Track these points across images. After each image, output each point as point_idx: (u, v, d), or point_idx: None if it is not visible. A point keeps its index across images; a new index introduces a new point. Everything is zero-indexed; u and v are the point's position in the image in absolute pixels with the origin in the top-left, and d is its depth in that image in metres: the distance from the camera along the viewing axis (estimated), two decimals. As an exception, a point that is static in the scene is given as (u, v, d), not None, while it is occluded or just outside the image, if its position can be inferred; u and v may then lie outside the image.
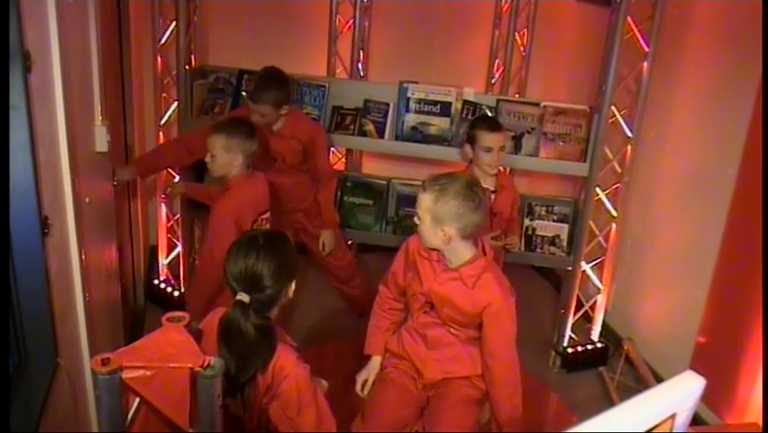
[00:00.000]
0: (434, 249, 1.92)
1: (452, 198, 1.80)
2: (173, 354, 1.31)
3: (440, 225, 1.82)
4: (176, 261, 3.47)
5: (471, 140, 2.64)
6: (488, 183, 2.60)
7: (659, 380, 2.99)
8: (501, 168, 2.76)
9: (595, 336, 3.32)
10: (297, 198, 2.96)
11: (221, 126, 2.44)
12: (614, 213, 3.19)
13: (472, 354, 2.00)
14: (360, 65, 3.58)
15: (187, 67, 3.09)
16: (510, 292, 1.92)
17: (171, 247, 3.50)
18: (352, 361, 2.80)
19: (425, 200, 1.83)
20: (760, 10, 2.36)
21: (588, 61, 3.50)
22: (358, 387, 2.08)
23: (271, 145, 2.81)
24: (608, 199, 3.20)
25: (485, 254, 1.93)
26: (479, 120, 2.78)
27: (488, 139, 2.58)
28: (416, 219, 1.89)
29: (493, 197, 2.65)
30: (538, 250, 3.22)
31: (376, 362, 2.12)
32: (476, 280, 1.89)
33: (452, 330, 1.99)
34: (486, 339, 1.94)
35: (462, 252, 1.89)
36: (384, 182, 3.32)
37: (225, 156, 2.40)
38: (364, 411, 2.02)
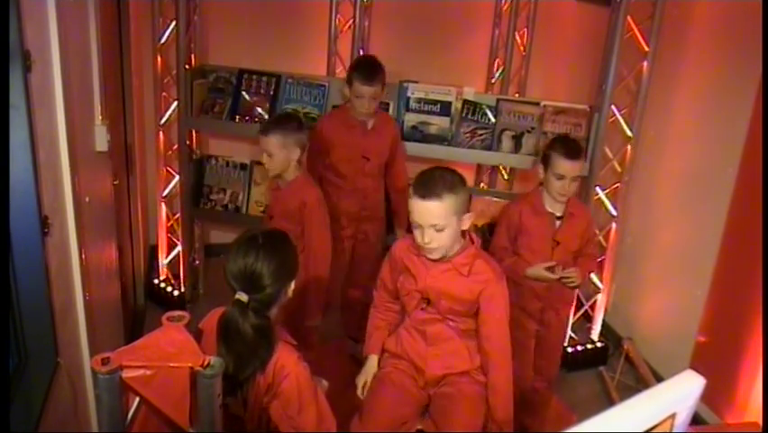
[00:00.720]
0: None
1: (461, 187, 1.84)
2: (173, 354, 1.31)
3: (462, 215, 1.86)
4: (176, 260, 3.47)
5: (545, 161, 2.43)
6: (554, 208, 2.45)
7: (659, 379, 3.00)
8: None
9: (595, 335, 3.33)
10: (375, 204, 2.95)
11: (271, 125, 2.51)
12: (614, 212, 3.19)
13: (470, 347, 2.02)
14: (360, 64, 3.58)
15: (187, 66, 3.09)
16: (502, 275, 1.96)
17: (171, 247, 3.50)
18: (352, 361, 2.80)
19: (446, 206, 1.80)
20: (760, 10, 2.36)
21: (588, 61, 3.50)
22: (359, 391, 2.09)
23: (365, 144, 2.82)
24: (608, 199, 3.21)
25: (473, 243, 1.96)
26: (558, 142, 2.46)
27: (562, 166, 2.36)
28: (428, 238, 1.83)
29: (558, 223, 2.46)
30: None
31: (373, 361, 2.12)
32: (470, 268, 1.92)
33: (450, 323, 1.99)
34: (482, 322, 1.97)
35: (456, 242, 1.92)
36: (384, 182, 3.32)
37: (282, 152, 2.46)
38: (361, 411, 2.02)
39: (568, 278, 2.42)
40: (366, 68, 2.72)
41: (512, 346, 2.40)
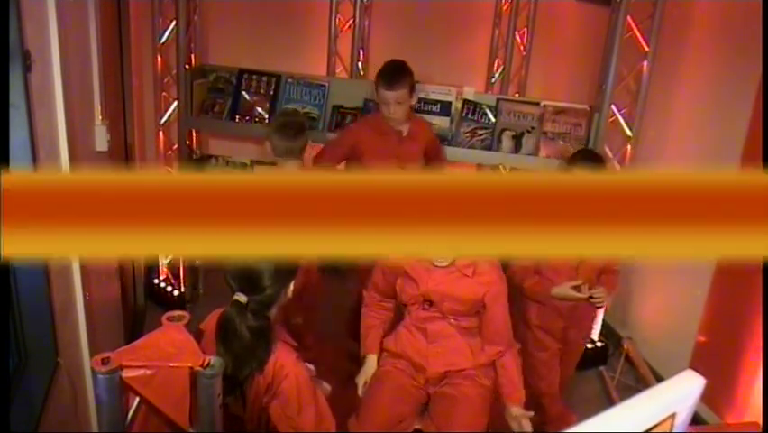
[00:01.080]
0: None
1: None
2: (173, 354, 1.31)
3: None
4: (176, 260, 3.47)
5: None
6: None
7: (659, 379, 2.99)
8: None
9: (595, 335, 3.32)
10: None
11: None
12: (614, 212, 3.18)
13: (472, 345, 2.03)
14: (360, 64, 3.58)
15: (187, 66, 3.08)
16: (503, 274, 2.00)
17: (171, 247, 3.50)
18: (351, 361, 2.79)
19: None
20: (760, 10, 2.36)
21: (588, 61, 3.50)
22: (360, 391, 2.09)
23: (399, 152, 2.75)
24: (608, 199, 3.20)
25: None
26: (580, 156, 2.41)
27: None
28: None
29: None
30: (538, 249, 3.21)
31: (372, 361, 2.12)
32: (474, 269, 1.94)
33: (452, 321, 2.00)
34: (489, 320, 1.99)
35: None
36: (384, 182, 3.31)
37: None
38: (359, 409, 2.02)
39: (597, 298, 2.35)
40: (387, 72, 2.67)
41: (536, 367, 2.41)
